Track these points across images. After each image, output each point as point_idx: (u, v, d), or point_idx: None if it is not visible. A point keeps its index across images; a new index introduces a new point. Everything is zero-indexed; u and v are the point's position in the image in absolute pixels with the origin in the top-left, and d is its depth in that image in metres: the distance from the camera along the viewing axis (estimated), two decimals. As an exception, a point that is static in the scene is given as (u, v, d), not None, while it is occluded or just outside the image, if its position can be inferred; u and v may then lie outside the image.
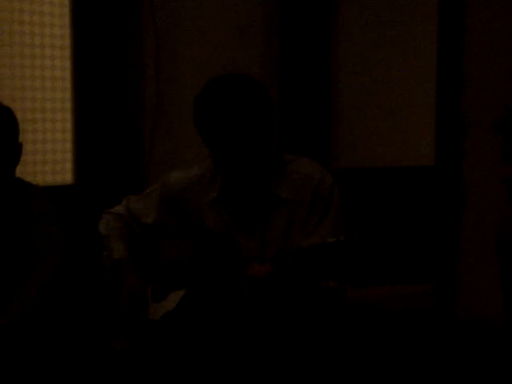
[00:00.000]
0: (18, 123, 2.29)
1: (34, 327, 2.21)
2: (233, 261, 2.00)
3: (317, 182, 2.05)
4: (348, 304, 2.07)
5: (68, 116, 3.37)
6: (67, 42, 3.33)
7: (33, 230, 2.29)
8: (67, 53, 3.34)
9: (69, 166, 3.39)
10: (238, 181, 2.06)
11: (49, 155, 3.34)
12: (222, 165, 2.04)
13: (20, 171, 2.35)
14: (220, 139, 1.97)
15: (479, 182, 3.24)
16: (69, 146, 3.39)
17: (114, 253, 2.13)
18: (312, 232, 2.02)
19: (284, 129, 3.51)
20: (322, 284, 1.90)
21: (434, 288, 3.42)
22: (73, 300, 2.53)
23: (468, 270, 3.31)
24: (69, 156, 3.39)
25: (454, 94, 3.31)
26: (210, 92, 1.99)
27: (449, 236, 3.36)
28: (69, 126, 3.38)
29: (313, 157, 2.12)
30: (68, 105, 3.36)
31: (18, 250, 2.28)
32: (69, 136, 3.38)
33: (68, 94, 3.36)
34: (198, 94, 2.02)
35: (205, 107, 1.99)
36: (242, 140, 1.95)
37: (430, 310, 3.37)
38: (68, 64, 3.35)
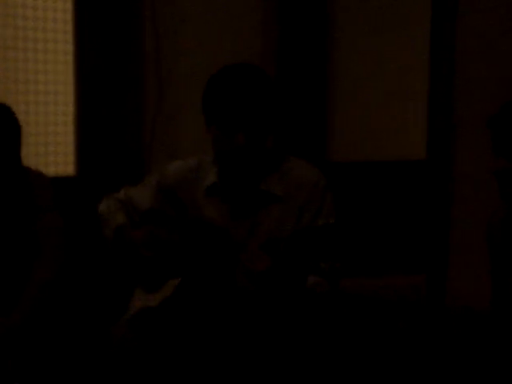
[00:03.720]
0: (17, 118, 2.31)
1: (37, 321, 2.24)
2: (226, 249, 2.04)
3: (311, 183, 2.10)
4: (340, 294, 2.11)
5: (70, 109, 3.38)
6: (69, 35, 3.34)
7: (34, 220, 2.31)
8: (69, 47, 3.35)
9: (71, 157, 3.40)
10: (234, 169, 2.09)
11: (51, 147, 3.34)
12: (219, 150, 2.07)
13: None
14: (223, 119, 2.00)
15: (470, 175, 3.25)
16: (71, 138, 3.39)
17: (114, 222, 2.14)
18: None
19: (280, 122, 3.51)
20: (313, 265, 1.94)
21: (424, 279, 3.44)
22: (73, 290, 2.55)
23: (458, 261, 3.30)
24: (71, 148, 3.40)
25: (446, 88, 3.32)
26: (222, 76, 2.05)
27: (439, 228, 3.37)
28: (71, 118, 3.38)
29: (308, 151, 2.16)
30: (70, 98, 3.37)
31: (21, 238, 2.30)
32: (71, 128, 3.39)
33: (70, 88, 3.37)
34: (211, 77, 2.07)
35: (214, 90, 2.04)
36: (245, 124, 1.99)
37: (421, 300, 3.39)
38: (70, 58, 3.35)
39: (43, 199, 2.34)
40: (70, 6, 3.33)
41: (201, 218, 2.13)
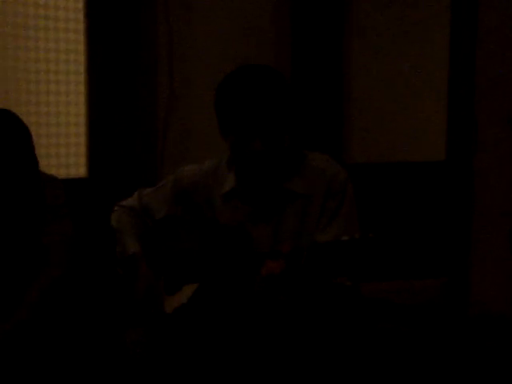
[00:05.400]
0: (26, 126, 2.27)
1: (40, 326, 2.21)
2: (245, 255, 2.00)
3: (330, 176, 2.05)
4: (360, 298, 2.07)
5: (82, 110, 3.38)
6: (81, 35, 3.34)
7: (44, 224, 2.28)
8: (81, 47, 3.35)
9: (82, 159, 3.40)
10: (253, 173, 2.06)
11: (62, 149, 3.34)
12: (238, 156, 2.04)
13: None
14: (238, 127, 1.96)
15: (490, 176, 3.24)
16: (82, 139, 3.39)
17: (127, 248, 2.13)
18: (325, 227, 2.02)
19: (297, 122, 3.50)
20: (337, 281, 1.90)
21: (445, 282, 3.42)
22: (85, 293, 2.53)
23: (479, 265, 3.31)
24: (82, 149, 3.40)
25: (466, 88, 3.31)
26: (234, 79, 1.99)
27: (460, 230, 3.36)
28: (82, 119, 3.38)
29: (324, 152, 2.13)
30: (82, 99, 3.37)
31: (29, 242, 2.27)
32: (82, 130, 3.39)
33: (82, 88, 3.37)
34: (221, 81, 2.02)
35: (226, 93, 1.99)
36: (260, 130, 1.95)
37: (442, 304, 3.38)
38: (82, 58, 3.35)
39: (53, 205, 2.31)
40: (81, 5, 3.34)
41: (218, 222, 2.10)
